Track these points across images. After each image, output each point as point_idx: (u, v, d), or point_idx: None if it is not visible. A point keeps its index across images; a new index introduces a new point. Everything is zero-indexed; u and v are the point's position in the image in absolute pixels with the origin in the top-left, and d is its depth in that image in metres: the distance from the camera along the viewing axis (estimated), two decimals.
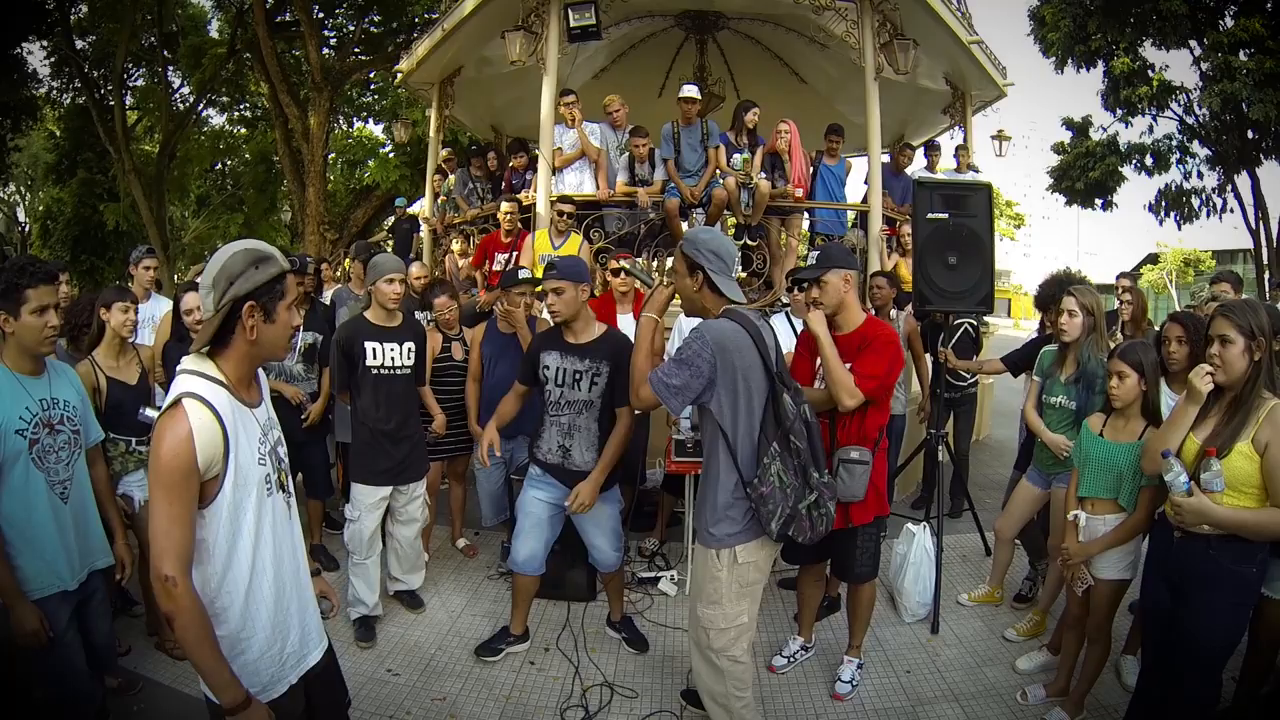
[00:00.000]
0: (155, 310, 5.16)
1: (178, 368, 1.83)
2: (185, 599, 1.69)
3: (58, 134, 21.92)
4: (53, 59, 19.00)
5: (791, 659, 3.79)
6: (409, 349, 4.07)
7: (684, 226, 6.98)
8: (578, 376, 3.51)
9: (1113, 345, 3.59)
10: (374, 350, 3.97)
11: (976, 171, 8.66)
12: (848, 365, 3.20)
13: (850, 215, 7.63)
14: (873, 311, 5.47)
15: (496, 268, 6.31)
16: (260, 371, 2.02)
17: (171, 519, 1.68)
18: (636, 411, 2.89)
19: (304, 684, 2.00)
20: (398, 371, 4.04)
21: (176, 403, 1.73)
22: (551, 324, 3.70)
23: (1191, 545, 2.63)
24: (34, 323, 2.51)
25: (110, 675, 3.24)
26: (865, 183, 7.45)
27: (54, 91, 20.03)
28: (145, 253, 5.48)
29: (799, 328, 4.26)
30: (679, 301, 2.86)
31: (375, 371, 3.98)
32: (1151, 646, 2.97)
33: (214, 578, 1.79)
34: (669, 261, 3.63)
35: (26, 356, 2.58)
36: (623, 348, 3.47)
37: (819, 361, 3.30)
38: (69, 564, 2.61)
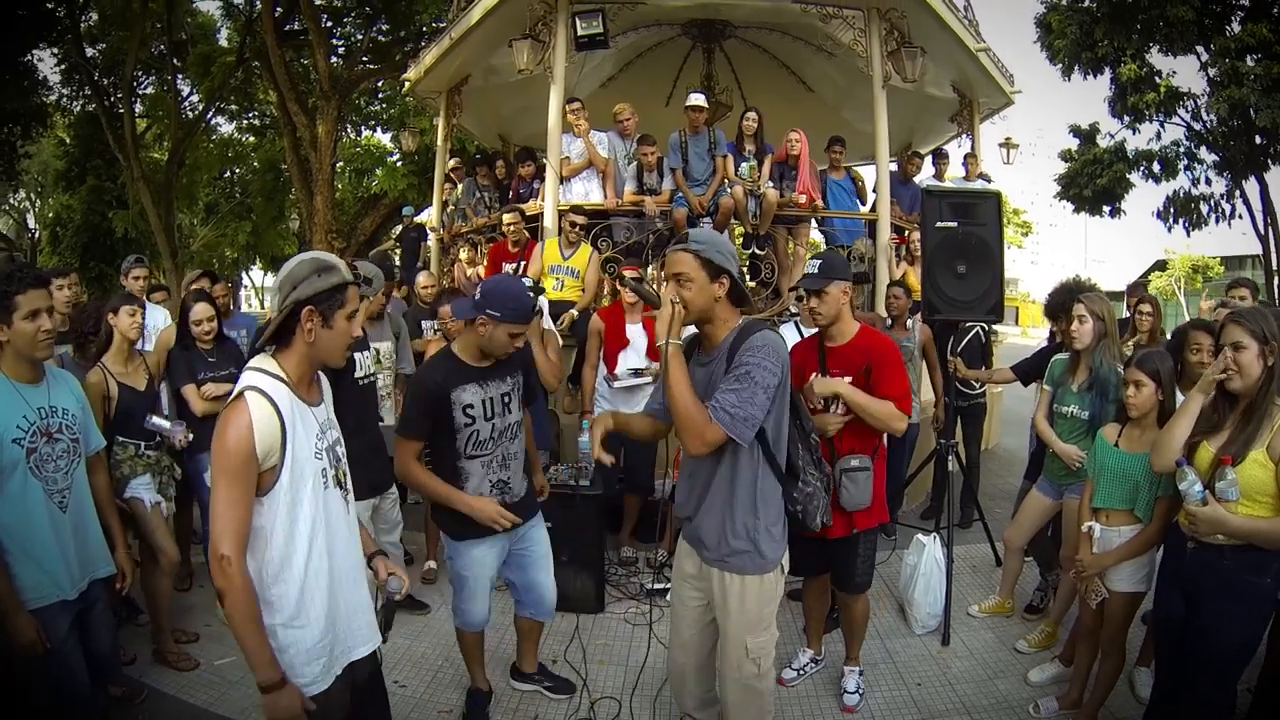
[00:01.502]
0: (148, 320, 5.16)
1: (246, 365, 1.98)
2: (239, 578, 1.82)
3: (68, 141, 22.07)
4: (63, 66, 19.16)
5: (801, 671, 3.76)
6: (373, 354, 4.05)
7: None
8: (506, 399, 3.11)
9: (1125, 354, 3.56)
10: (359, 361, 3.87)
11: (989, 180, 8.64)
12: (847, 377, 3.20)
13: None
14: (889, 321, 5.46)
15: None
16: (325, 385, 2.19)
17: (230, 502, 1.82)
18: (694, 456, 2.46)
19: (352, 686, 2.09)
20: (371, 379, 3.99)
21: (240, 395, 1.87)
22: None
23: (1205, 555, 2.59)
24: (27, 328, 2.50)
25: (114, 684, 3.23)
26: (873, 191, 7.44)
27: (64, 99, 20.19)
28: (134, 263, 5.53)
29: (806, 335, 4.26)
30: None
31: (360, 382, 3.87)
32: (1165, 657, 2.93)
33: (271, 564, 1.90)
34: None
35: (24, 363, 2.57)
36: (525, 351, 3.24)
37: (813, 378, 3.28)
38: (68, 573, 2.60)
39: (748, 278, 6.83)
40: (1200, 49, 15.87)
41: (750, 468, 2.46)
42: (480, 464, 3.09)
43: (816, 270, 3.22)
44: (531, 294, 2.95)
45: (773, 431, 2.46)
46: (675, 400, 2.35)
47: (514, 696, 3.59)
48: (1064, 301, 4.25)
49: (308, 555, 1.94)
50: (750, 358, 2.32)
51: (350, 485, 2.16)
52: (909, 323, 5.45)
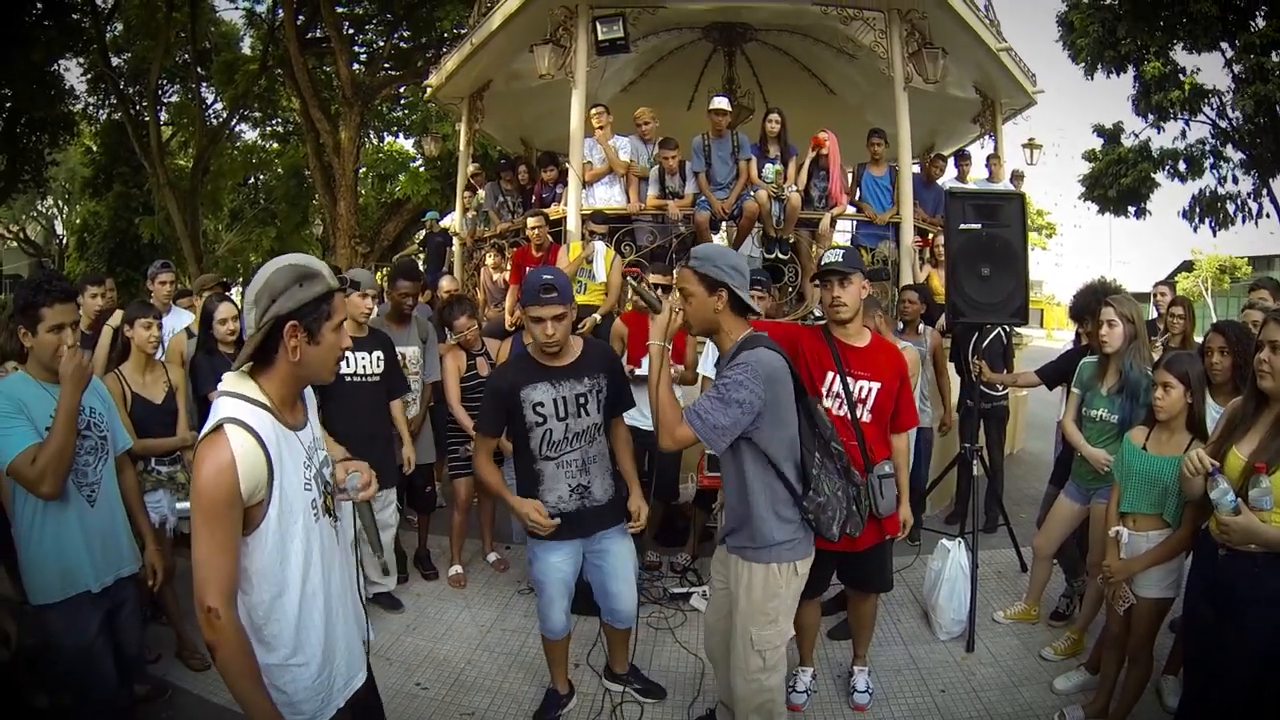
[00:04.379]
0: (175, 323, 5.25)
1: (217, 389, 1.79)
2: (228, 630, 1.66)
3: (94, 149, 22.33)
4: (89, 76, 19.48)
5: (810, 692, 3.66)
6: (378, 357, 4.17)
7: (716, 239, 6.94)
8: (582, 400, 3.07)
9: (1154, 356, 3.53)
10: (351, 359, 4.05)
11: (1021, 178, 8.59)
12: (876, 383, 3.19)
13: None
14: (901, 326, 5.43)
15: None
16: (308, 391, 1.98)
17: (214, 548, 1.64)
18: (665, 450, 2.71)
19: (350, 709, 2.01)
20: (368, 379, 4.13)
21: (218, 428, 1.67)
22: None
23: (1237, 563, 2.54)
24: (50, 340, 2.56)
25: (140, 683, 3.27)
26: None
27: (90, 107, 20.58)
28: (161, 267, 5.60)
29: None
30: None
31: (349, 380, 4.04)
32: (1193, 666, 2.89)
33: (262, 605, 1.75)
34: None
35: (46, 370, 2.63)
36: (610, 354, 3.34)
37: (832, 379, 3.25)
38: (93, 566, 2.65)
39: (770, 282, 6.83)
40: (1224, 45, 15.64)
41: (760, 475, 2.62)
42: (556, 466, 3.10)
43: (841, 259, 3.11)
44: (549, 278, 2.92)
45: (769, 444, 2.58)
46: (654, 396, 2.58)
47: (536, 699, 3.60)
48: (1089, 304, 4.20)
49: (301, 592, 1.80)
50: (731, 374, 2.49)
51: (338, 511, 1.99)
52: (920, 328, 5.43)
